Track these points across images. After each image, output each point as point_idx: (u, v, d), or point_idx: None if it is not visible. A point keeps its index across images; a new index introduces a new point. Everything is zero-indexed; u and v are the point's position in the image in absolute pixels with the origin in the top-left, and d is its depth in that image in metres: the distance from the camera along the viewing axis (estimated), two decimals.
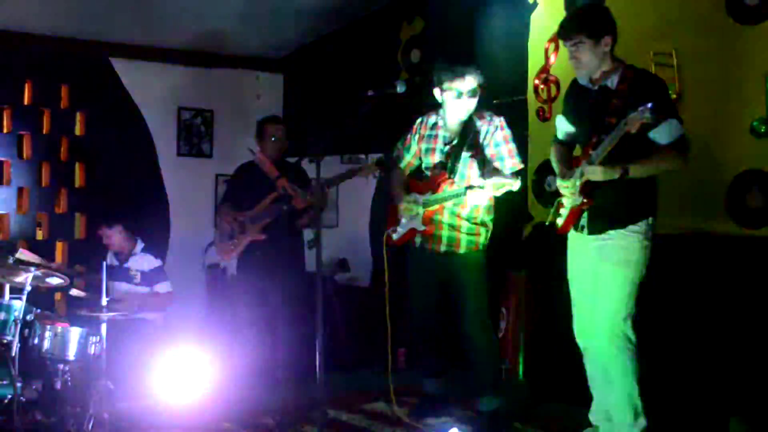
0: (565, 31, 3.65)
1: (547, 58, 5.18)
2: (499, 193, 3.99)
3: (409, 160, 4.43)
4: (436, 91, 4.19)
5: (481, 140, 4.16)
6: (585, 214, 3.68)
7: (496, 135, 4.15)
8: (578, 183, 3.59)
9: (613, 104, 3.48)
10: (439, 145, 4.28)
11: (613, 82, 3.57)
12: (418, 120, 4.41)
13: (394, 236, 4.35)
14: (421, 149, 4.36)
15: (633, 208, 3.59)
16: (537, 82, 5.27)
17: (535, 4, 5.26)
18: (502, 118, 4.22)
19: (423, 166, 4.37)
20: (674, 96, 4.19)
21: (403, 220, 4.30)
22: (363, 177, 4.55)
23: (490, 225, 4.26)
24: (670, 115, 3.46)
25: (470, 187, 3.98)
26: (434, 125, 4.32)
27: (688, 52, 4.33)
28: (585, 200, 3.61)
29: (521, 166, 4.20)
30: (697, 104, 4.27)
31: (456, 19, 5.85)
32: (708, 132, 4.22)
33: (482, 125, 4.17)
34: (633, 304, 3.60)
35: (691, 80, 4.31)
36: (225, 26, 6.57)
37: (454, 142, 4.22)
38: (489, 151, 4.15)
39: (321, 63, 7.16)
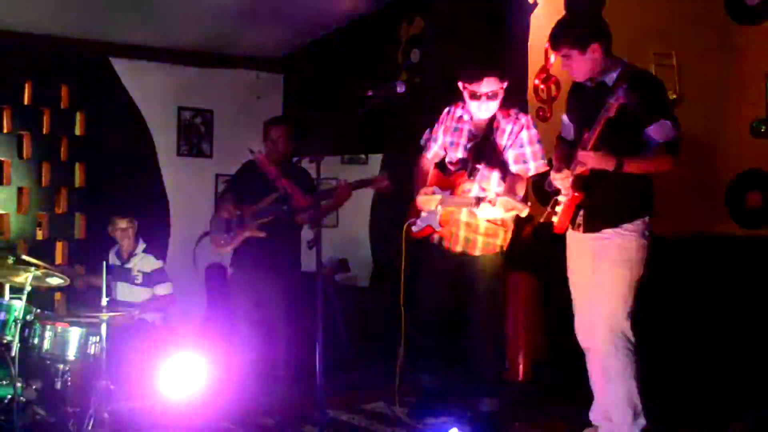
0: (553, 43, 3.68)
1: (547, 58, 5.19)
2: (507, 215, 3.93)
3: (435, 150, 4.35)
4: (459, 84, 4.10)
5: (504, 139, 4.08)
6: (581, 213, 3.68)
7: (521, 135, 4.08)
8: (571, 177, 3.59)
9: (608, 100, 3.48)
10: (463, 140, 4.19)
11: (611, 79, 3.58)
12: (446, 109, 4.33)
13: (414, 228, 4.26)
14: (446, 142, 4.28)
15: (629, 207, 3.59)
16: (537, 82, 5.27)
17: (535, 4, 5.26)
18: (528, 117, 4.14)
19: (447, 159, 4.29)
20: (674, 96, 4.19)
21: (423, 214, 4.22)
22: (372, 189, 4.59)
23: (511, 224, 4.19)
24: (665, 116, 3.46)
25: (481, 199, 3.92)
26: (460, 118, 4.24)
27: (688, 52, 4.33)
28: (576, 194, 3.61)
29: (546, 168, 4.10)
30: (697, 104, 4.27)
31: (456, 19, 5.85)
32: (708, 132, 4.23)
33: (507, 123, 4.09)
34: (632, 304, 3.59)
35: (691, 80, 4.32)
36: (225, 26, 6.57)
37: (477, 140, 4.14)
38: (513, 152, 4.07)
39: (321, 63, 7.16)
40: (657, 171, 3.57)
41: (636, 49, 4.27)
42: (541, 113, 5.24)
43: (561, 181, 3.65)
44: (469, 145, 4.17)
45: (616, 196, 3.57)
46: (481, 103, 4.05)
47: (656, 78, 3.73)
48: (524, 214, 3.88)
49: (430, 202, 4.16)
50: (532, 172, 4.07)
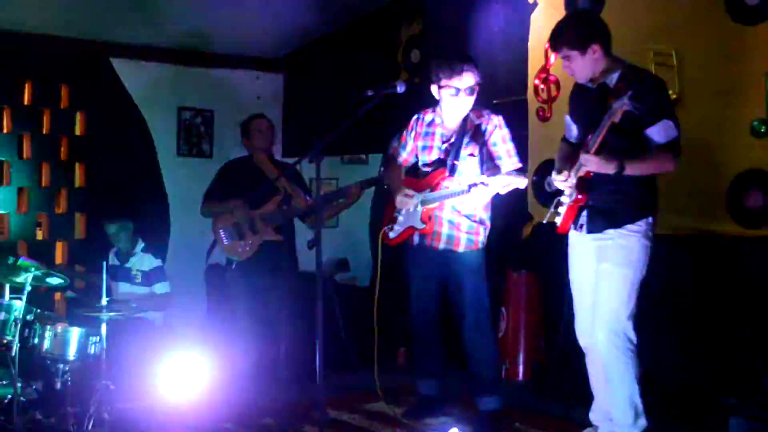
0: (553, 45, 3.72)
1: (547, 58, 5.19)
2: (504, 191, 3.97)
3: (405, 157, 4.40)
4: (434, 88, 4.16)
5: (479, 139, 4.15)
6: (584, 213, 3.69)
7: (494, 134, 4.13)
8: (574, 179, 3.60)
9: (610, 101, 3.48)
10: (437, 142, 4.25)
11: (612, 80, 3.58)
12: (414, 117, 4.38)
13: (391, 234, 4.32)
14: (418, 147, 4.33)
15: (632, 208, 3.59)
16: (537, 82, 5.27)
17: (535, 4, 5.26)
18: (500, 117, 4.20)
19: (420, 163, 4.34)
20: (674, 96, 4.19)
21: (401, 218, 4.27)
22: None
23: (488, 223, 4.25)
24: (667, 116, 3.47)
25: (474, 185, 3.96)
26: (431, 122, 4.29)
27: (688, 52, 4.33)
28: (579, 196, 3.61)
29: (520, 165, 4.18)
30: (697, 104, 4.27)
31: (456, 19, 5.85)
32: (708, 132, 4.23)
33: (481, 123, 4.16)
34: (633, 304, 3.59)
35: (691, 80, 4.32)
36: (225, 26, 6.57)
37: (453, 139, 4.20)
38: (487, 150, 4.14)
39: (321, 63, 7.16)
40: (659, 171, 3.57)
41: (636, 49, 4.27)
42: (541, 113, 5.24)
43: (563, 183, 3.65)
44: (443, 146, 4.22)
45: (619, 198, 3.57)
46: (459, 100, 4.10)
47: (657, 78, 3.73)
48: (523, 185, 3.97)
49: (408, 202, 4.19)
50: (506, 170, 4.10)
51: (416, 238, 4.29)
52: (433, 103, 4.29)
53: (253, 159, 5.15)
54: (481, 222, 4.22)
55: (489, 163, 4.13)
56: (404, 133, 4.41)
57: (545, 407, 4.65)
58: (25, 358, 4.10)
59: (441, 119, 4.25)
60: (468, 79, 4.06)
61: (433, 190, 4.18)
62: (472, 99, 4.13)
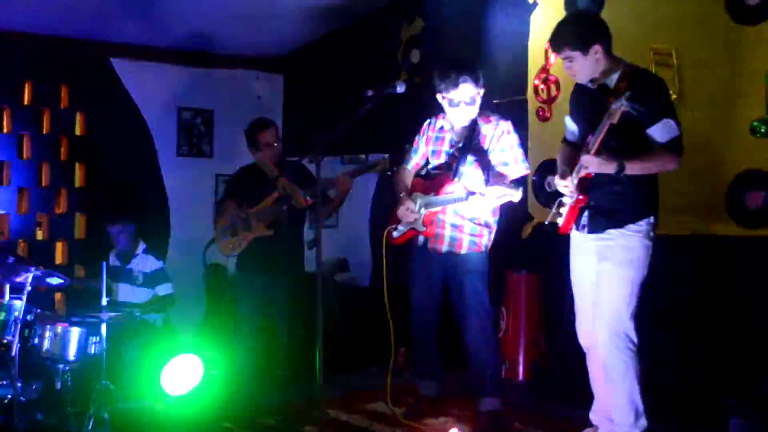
0: (554, 45, 3.70)
1: (547, 58, 5.19)
2: (499, 203, 3.99)
3: (416, 160, 4.42)
4: (438, 96, 4.18)
5: (486, 144, 4.14)
6: (586, 214, 3.68)
7: (502, 140, 4.12)
8: (575, 180, 3.60)
9: (610, 101, 3.48)
10: (446, 147, 4.26)
11: (612, 80, 3.58)
12: (427, 122, 4.40)
13: (395, 234, 4.34)
14: (428, 151, 4.35)
15: (633, 207, 3.59)
16: (537, 82, 5.27)
17: (535, 4, 5.26)
18: (509, 122, 4.18)
19: (430, 167, 4.36)
20: (674, 96, 4.19)
21: (404, 220, 4.30)
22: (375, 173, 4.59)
23: (494, 226, 4.24)
24: (667, 116, 3.47)
25: (472, 194, 3.96)
26: (442, 128, 4.31)
27: (688, 52, 4.33)
28: (580, 197, 3.61)
29: (527, 171, 4.19)
30: (697, 104, 4.27)
31: (456, 19, 5.85)
32: (708, 132, 4.22)
33: (488, 129, 4.15)
34: (635, 304, 3.59)
35: (691, 80, 4.32)
36: (225, 26, 6.58)
37: (460, 144, 4.20)
38: (494, 156, 4.11)
39: (321, 63, 7.16)
40: (661, 171, 3.57)
41: (636, 49, 4.26)
42: (541, 113, 5.24)
43: (565, 186, 3.65)
44: (451, 151, 4.23)
45: (621, 197, 3.57)
46: (459, 110, 4.11)
47: (657, 77, 3.73)
48: (516, 198, 3.92)
49: (412, 209, 4.20)
50: (514, 176, 4.10)
51: (421, 239, 4.30)
52: (434, 103, 4.30)
53: (257, 162, 5.16)
54: (486, 225, 4.20)
55: (494, 170, 4.12)
56: (416, 137, 4.43)
57: (545, 407, 4.65)
58: (25, 358, 4.10)
59: (450, 125, 4.26)
60: (465, 90, 4.05)
61: (436, 194, 4.18)
62: (474, 108, 4.12)
